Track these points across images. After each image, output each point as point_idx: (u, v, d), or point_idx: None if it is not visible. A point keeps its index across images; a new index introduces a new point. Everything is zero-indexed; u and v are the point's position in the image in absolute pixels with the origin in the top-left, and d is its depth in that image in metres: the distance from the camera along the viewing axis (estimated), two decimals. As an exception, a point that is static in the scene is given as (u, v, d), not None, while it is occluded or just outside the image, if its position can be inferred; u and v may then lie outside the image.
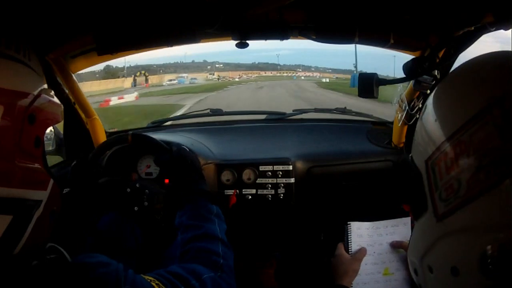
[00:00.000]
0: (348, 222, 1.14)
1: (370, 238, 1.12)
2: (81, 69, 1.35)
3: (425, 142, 0.55)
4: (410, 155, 0.60)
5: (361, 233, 1.12)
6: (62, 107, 0.67)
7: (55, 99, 0.65)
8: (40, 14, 0.84)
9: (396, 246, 1.11)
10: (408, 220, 1.13)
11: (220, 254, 0.84)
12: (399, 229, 1.13)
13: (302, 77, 44.08)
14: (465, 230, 0.47)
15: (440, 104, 0.55)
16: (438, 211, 0.51)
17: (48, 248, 0.60)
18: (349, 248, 1.11)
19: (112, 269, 0.60)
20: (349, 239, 1.12)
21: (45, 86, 0.62)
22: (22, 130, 0.54)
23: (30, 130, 0.56)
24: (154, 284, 0.64)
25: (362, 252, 1.09)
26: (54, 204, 0.61)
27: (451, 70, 0.59)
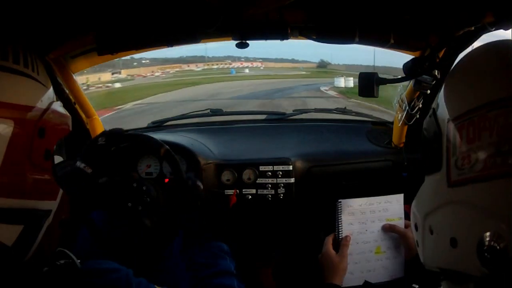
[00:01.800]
0: (339, 200, 1.11)
1: (362, 215, 1.10)
2: (81, 69, 1.35)
3: (455, 100, 0.53)
4: (433, 106, 0.57)
5: (352, 210, 1.10)
6: (71, 117, 0.68)
7: (64, 111, 0.66)
8: (40, 14, 0.84)
9: (388, 230, 1.09)
10: (401, 197, 1.12)
11: (236, 287, 0.88)
12: (392, 205, 1.11)
13: (246, 70, 35.55)
14: (472, 206, 0.46)
15: (478, 69, 0.52)
16: (451, 177, 0.50)
17: (57, 253, 0.61)
18: (340, 229, 1.09)
19: (122, 275, 0.60)
20: (339, 218, 1.09)
21: (54, 98, 0.63)
22: (32, 144, 0.55)
23: (40, 143, 0.57)
24: None
25: (346, 245, 1.06)
26: (63, 213, 0.62)
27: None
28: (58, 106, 0.63)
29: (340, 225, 1.09)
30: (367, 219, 1.10)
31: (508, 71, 0.47)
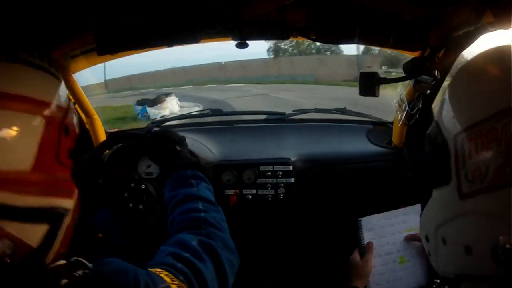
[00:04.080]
0: (359, 219, 1.14)
1: (382, 229, 1.12)
2: (81, 69, 1.35)
3: (460, 113, 0.52)
4: (436, 120, 0.57)
5: (371, 226, 1.12)
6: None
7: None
8: (39, 14, 0.84)
9: (410, 239, 1.11)
10: (418, 207, 1.12)
11: (201, 209, 0.82)
12: (410, 217, 1.12)
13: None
14: (485, 215, 0.47)
15: (481, 79, 0.53)
16: (462, 189, 0.50)
17: (73, 262, 0.59)
18: (363, 244, 1.11)
19: (130, 274, 0.59)
20: (361, 235, 1.12)
21: (70, 97, 0.64)
22: (59, 142, 0.55)
23: (66, 142, 0.57)
24: (163, 276, 0.64)
25: (370, 250, 1.09)
26: (77, 213, 0.62)
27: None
28: (73, 106, 0.64)
29: (362, 242, 1.12)
30: (387, 232, 1.12)
31: None
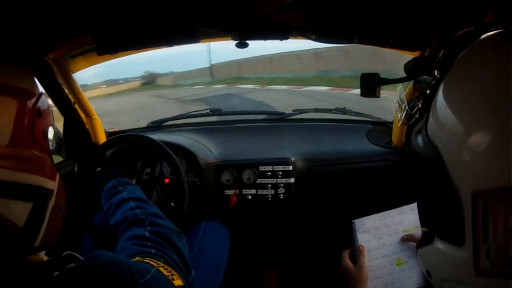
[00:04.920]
0: (353, 221, 1.11)
1: (377, 231, 1.09)
2: (81, 69, 1.35)
3: (480, 170, 0.39)
4: (442, 154, 0.45)
5: (366, 228, 1.09)
6: (52, 112, 0.73)
7: (49, 102, 0.70)
8: (39, 14, 0.84)
9: (407, 240, 1.08)
10: (414, 206, 1.09)
11: (134, 207, 0.88)
12: (406, 216, 1.09)
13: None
14: None
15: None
16: (480, 264, 0.42)
17: (66, 256, 0.63)
18: (356, 248, 1.09)
19: (124, 265, 0.60)
20: (356, 237, 1.09)
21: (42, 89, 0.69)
22: (33, 122, 0.61)
23: (39, 123, 0.62)
24: (148, 261, 0.66)
25: (362, 255, 1.06)
26: (61, 198, 0.66)
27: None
28: (45, 97, 0.69)
29: (357, 244, 1.08)
30: (383, 234, 1.09)
31: None
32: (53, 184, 0.62)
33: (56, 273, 0.56)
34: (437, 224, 0.52)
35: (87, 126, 1.51)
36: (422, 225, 1.08)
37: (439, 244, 0.50)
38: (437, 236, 0.51)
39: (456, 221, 0.44)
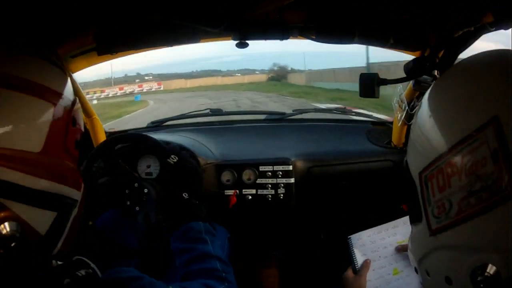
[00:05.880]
0: (348, 236, 1.14)
1: (373, 244, 1.12)
2: (81, 69, 1.35)
3: (420, 153, 0.54)
4: (406, 159, 0.59)
5: (363, 242, 1.13)
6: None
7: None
8: (39, 14, 0.84)
9: (402, 250, 1.11)
10: (407, 218, 1.12)
11: (220, 270, 0.85)
12: (399, 229, 1.12)
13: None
14: (457, 248, 0.48)
15: (435, 113, 0.53)
16: (431, 226, 0.51)
17: (75, 261, 0.61)
18: (355, 261, 1.11)
19: (145, 282, 0.60)
20: (353, 252, 1.12)
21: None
22: (67, 131, 0.59)
23: (73, 132, 0.61)
24: None
25: (366, 266, 1.09)
26: (82, 207, 0.64)
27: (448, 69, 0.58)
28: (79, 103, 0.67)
29: (354, 259, 1.12)
30: (379, 246, 1.12)
31: (476, 95, 0.48)
32: (78, 194, 0.61)
33: (67, 280, 0.55)
34: (410, 215, 0.62)
35: (87, 126, 1.51)
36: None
37: (412, 230, 0.61)
38: (411, 224, 0.61)
39: (414, 202, 0.55)
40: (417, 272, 0.62)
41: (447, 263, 0.51)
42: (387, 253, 1.11)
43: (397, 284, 1.09)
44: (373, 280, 1.08)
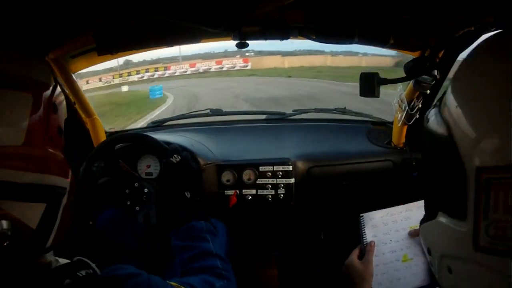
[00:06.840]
0: (361, 215, 1.10)
1: (385, 226, 1.08)
2: (81, 69, 1.35)
3: (487, 145, 0.41)
4: (451, 124, 0.46)
5: (374, 223, 1.09)
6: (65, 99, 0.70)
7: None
8: (39, 14, 0.84)
9: (414, 235, 1.07)
10: (421, 203, 1.11)
11: (220, 267, 0.85)
12: (413, 213, 1.09)
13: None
14: (502, 275, 0.42)
15: None
16: (479, 241, 0.43)
17: (76, 262, 0.60)
18: (364, 242, 1.08)
19: (142, 279, 0.60)
20: (363, 232, 1.09)
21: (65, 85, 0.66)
22: (48, 118, 0.57)
23: (54, 118, 0.59)
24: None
25: (371, 251, 1.05)
26: (72, 194, 0.63)
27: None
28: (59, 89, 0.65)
29: (364, 238, 1.08)
30: (391, 229, 1.08)
31: None
32: (66, 182, 0.60)
33: (67, 281, 0.54)
34: (441, 198, 0.52)
35: (87, 126, 1.51)
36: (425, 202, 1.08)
37: (441, 218, 0.51)
38: (441, 210, 0.51)
39: (459, 195, 0.44)
40: (429, 254, 0.56)
41: (484, 282, 0.45)
42: (398, 237, 1.07)
43: (405, 273, 1.06)
44: (381, 265, 1.05)
